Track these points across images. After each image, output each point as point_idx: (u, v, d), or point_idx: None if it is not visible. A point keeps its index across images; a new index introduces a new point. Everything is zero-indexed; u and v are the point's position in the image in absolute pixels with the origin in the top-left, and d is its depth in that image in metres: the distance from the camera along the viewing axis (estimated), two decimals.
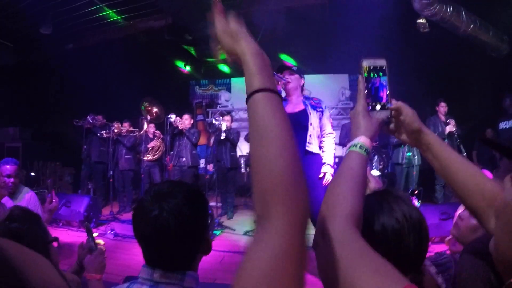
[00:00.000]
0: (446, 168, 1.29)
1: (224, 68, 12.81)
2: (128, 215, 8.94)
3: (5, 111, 11.08)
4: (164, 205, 1.40)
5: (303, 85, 5.11)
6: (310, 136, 4.76)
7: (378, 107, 1.28)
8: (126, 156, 9.51)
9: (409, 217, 1.25)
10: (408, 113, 1.33)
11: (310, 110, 4.75)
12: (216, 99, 13.53)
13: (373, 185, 1.77)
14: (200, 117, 13.64)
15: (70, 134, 10.99)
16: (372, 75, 1.30)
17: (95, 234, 2.53)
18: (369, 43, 9.07)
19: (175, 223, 1.38)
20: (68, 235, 7.14)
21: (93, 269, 2.28)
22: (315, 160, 4.80)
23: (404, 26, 9.07)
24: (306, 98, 4.91)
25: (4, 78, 11.20)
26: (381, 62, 1.32)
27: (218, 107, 13.31)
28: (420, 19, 8.80)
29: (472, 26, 8.87)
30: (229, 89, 13.47)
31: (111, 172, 9.24)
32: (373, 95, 1.29)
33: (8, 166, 4.24)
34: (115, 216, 8.70)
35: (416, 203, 6.36)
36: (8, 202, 4.16)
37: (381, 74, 1.31)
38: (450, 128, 8.21)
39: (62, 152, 11.60)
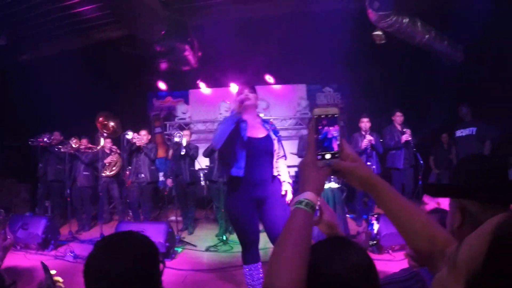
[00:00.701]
0: (393, 213, 1.30)
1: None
2: (88, 234, 8.88)
3: None
4: (115, 260, 1.42)
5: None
6: (276, 161, 4.75)
7: (328, 156, 1.29)
8: (84, 173, 9.34)
9: (360, 266, 1.31)
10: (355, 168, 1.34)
11: (272, 135, 4.70)
12: (174, 111, 13.44)
13: (326, 217, 1.74)
14: (158, 130, 13.50)
15: (25, 150, 10.70)
16: (323, 124, 1.30)
17: (52, 272, 2.49)
18: (327, 54, 9.22)
19: (127, 280, 1.41)
20: (27, 259, 6.97)
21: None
22: (280, 182, 4.80)
23: (361, 37, 9.23)
24: (264, 121, 4.81)
25: None
26: (333, 111, 1.31)
27: (176, 119, 13.23)
28: (376, 31, 8.97)
29: (427, 36, 9.13)
30: (186, 101, 13.40)
31: (68, 191, 9.03)
32: (325, 145, 1.29)
33: None
34: (74, 236, 8.53)
35: (375, 225, 6.49)
36: None
37: (332, 123, 1.30)
38: (406, 137, 8.38)
39: (18, 168, 11.30)
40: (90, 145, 9.46)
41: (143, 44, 10.22)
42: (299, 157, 8.54)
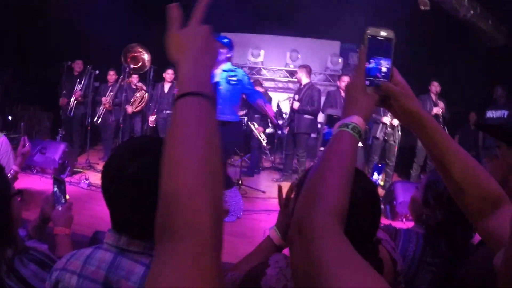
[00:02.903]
0: (443, 157, 1.14)
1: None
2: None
3: None
4: (140, 162, 1.27)
5: (231, 57, 5.41)
6: (220, 107, 5.07)
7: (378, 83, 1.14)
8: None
9: (365, 188, 1.32)
10: (402, 93, 1.17)
11: (222, 83, 5.10)
12: None
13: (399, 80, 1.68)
14: None
15: (50, 78, 10.70)
16: (376, 46, 1.14)
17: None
18: (364, 13, 8.91)
19: (151, 182, 1.25)
20: (42, 183, 7.04)
21: (62, 223, 2.18)
22: (229, 128, 5.15)
23: (404, 1, 8.89)
24: (225, 70, 5.21)
25: None
26: (389, 34, 1.16)
27: None
28: None
29: (472, 12, 8.77)
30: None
31: (89, 120, 9.02)
32: (374, 69, 1.14)
33: None
34: (91, 164, 8.57)
35: (376, 176, 6.41)
36: None
37: (386, 46, 1.15)
38: (437, 110, 8.15)
39: (42, 96, 11.33)
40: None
41: None
42: (322, 112, 8.36)
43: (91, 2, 9.84)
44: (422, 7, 8.60)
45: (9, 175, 3.31)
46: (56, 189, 2.31)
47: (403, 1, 8.92)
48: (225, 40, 5.21)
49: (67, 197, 2.31)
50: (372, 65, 1.13)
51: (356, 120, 1.06)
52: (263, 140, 8.43)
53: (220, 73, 5.22)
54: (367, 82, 1.12)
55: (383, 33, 1.15)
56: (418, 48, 10.56)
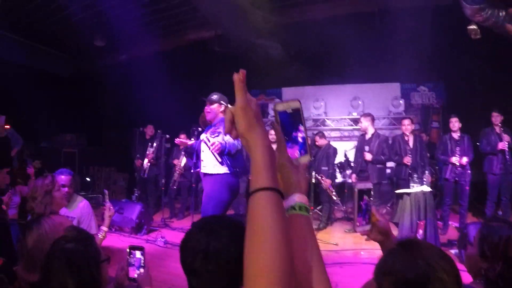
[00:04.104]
0: None
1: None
2: (180, 223, 9.24)
3: (63, 118, 11.50)
4: (214, 239, 1.46)
5: (224, 110, 5.32)
6: (202, 160, 5.26)
7: (301, 154, 1.24)
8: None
9: (436, 264, 1.29)
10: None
11: (205, 139, 5.23)
12: (266, 108, 13.59)
13: (380, 224, 1.82)
14: None
15: (124, 141, 11.29)
16: (288, 119, 1.23)
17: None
18: (420, 51, 8.95)
19: (225, 257, 1.44)
20: (120, 241, 7.42)
21: (147, 283, 2.40)
22: (210, 179, 5.18)
23: (455, 33, 8.85)
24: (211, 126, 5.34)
25: (62, 87, 11.65)
26: (295, 104, 1.24)
27: (268, 117, 13.36)
28: (471, 25, 8.53)
29: None
30: (280, 98, 13.41)
31: (163, 181, 9.46)
32: (296, 139, 1.24)
33: (63, 177, 4.35)
34: (166, 223, 8.94)
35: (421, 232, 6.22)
36: (63, 211, 4.35)
37: (297, 116, 1.24)
38: (503, 145, 7.80)
39: (116, 158, 11.93)
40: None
41: (236, 43, 10.42)
42: (388, 160, 8.37)
43: (157, 74, 10.38)
44: (473, 37, 8.53)
45: (99, 235, 3.67)
46: (132, 257, 2.57)
47: (454, 34, 8.87)
48: (214, 97, 5.36)
49: (106, 229, 2.50)
50: (295, 136, 1.24)
51: (299, 198, 1.16)
52: (332, 192, 8.46)
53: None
54: (297, 153, 1.24)
55: (289, 105, 1.24)
56: (477, 78, 10.37)
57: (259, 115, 1.09)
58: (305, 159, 1.24)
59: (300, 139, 1.24)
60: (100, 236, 3.82)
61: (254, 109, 1.08)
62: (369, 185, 6.44)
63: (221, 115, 5.27)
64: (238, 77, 1.10)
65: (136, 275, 2.51)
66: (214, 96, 5.31)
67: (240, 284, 1.53)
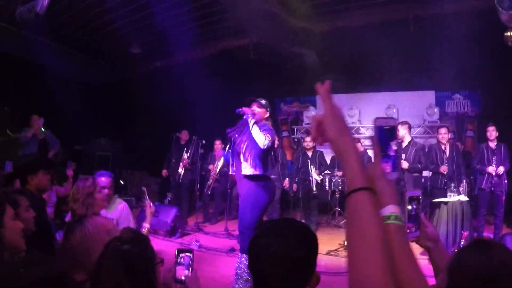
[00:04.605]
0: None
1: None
2: (213, 228, 9.32)
3: (98, 123, 11.69)
4: (282, 241, 1.48)
5: (268, 117, 5.38)
6: (241, 162, 5.23)
7: (393, 170, 1.31)
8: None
9: (510, 263, 1.30)
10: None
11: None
12: (301, 115, 13.60)
13: (429, 230, 1.80)
14: (285, 134, 13.78)
15: (156, 146, 11.41)
16: (384, 134, 1.31)
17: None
18: (455, 58, 8.81)
19: (292, 259, 1.46)
20: (155, 243, 7.33)
21: (195, 286, 2.42)
22: (247, 182, 5.15)
23: (491, 40, 8.67)
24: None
25: (98, 93, 11.86)
26: (392, 122, 1.33)
27: (303, 124, 13.36)
28: (508, 31, 8.35)
29: None
30: (314, 106, 13.44)
31: (198, 186, 9.55)
32: (386, 155, 1.30)
33: (103, 179, 4.42)
34: (200, 227, 9.02)
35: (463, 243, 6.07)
36: (102, 212, 4.42)
37: (390, 135, 1.32)
38: None
39: (149, 162, 12.06)
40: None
41: (272, 50, 10.44)
42: (424, 168, 8.24)
43: (188, 79, 10.48)
44: (510, 44, 8.33)
45: (142, 232, 3.73)
46: (182, 259, 2.58)
47: (491, 40, 8.69)
48: (263, 101, 5.35)
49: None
50: (388, 151, 1.30)
51: (393, 209, 1.22)
52: None
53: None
54: (389, 168, 1.30)
55: (388, 122, 1.33)
56: None
57: (345, 121, 1.14)
58: (395, 175, 1.34)
59: (392, 155, 1.31)
60: (143, 232, 3.86)
61: (342, 116, 1.13)
62: (418, 192, 6.36)
63: (264, 121, 5.27)
64: (323, 87, 1.18)
65: (183, 278, 2.52)
66: (263, 101, 5.34)
67: (306, 285, 1.54)
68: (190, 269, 2.55)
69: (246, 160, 5.17)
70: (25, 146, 8.60)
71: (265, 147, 4.92)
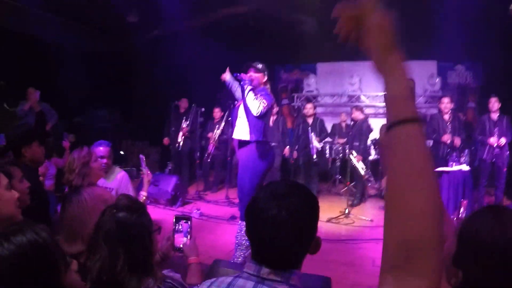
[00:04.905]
0: None
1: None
2: (214, 196, 9.36)
3: (96, 94, 11.60)
4: (282, 204, 1.40)
5: (266, 81, 5.30)
6: (237, 126, 5.24)
7: None
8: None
9: None
10: None
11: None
12: (301, 83, 13.49)
13: None
14: (285, 101, 13.65)
15: (156, 115, 11.35)
16: None
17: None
18: (458, 28, 8.69)
19: (293, 223, 1.40)
20: (155, 212, 7.53)
21: (194, 253, 2.39)
22: (245, 149, 5.14)
23: (495, 12, 8.55)
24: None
25: (94, 64, 11.72)
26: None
27: (303, 92, 13.26)
28: None
29: None
30: (314, 74, 13.31)
31: (198, 154, 9.51)
32: None
33: (101, 148, 4.47)
34: (201, 195, 9.07)
35: (461, 211, 6.06)
36: (102, 182, 4.39)
37: None
38: None
39: (149, 132, 12.02)
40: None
41: (271, 17, 10.30)
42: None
43: (187, 48, 10.35)
44: None
45: (141, 198, 3.74)
46: (180, 226, 2.56)
47: (495, 13, 8.57)
48: (259, 66, 5.25)
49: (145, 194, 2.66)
50: None
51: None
52: (362, 169, 8.32)
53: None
54: None
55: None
56: None
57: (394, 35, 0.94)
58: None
59: None
60: (140, 201, 3.85)
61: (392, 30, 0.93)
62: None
63: (262, 86, 5.20)
64: None
65: (181, 245, 2.49)
66: (260, 65, 5.24)
67: (307, 251, 1.49)
68: (189, 236, 2.52)
69: (241, 125, 5.15)
70: (22, 119, 8.54)
71: (259, 114, 4.86)
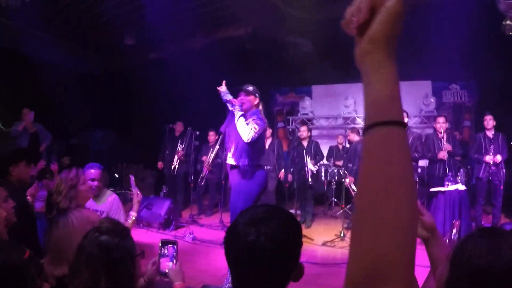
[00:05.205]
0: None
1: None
2: (208, 220, 9.25)
3: (92, 116, 11.61)
4: (261, 230, 1.34)
5: (258, 103, 5.24)
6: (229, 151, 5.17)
7: None
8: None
9: None
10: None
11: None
12: (296, 106, 13.52)
13: (426, 218, 1.69)
14: (280, 124, 13.69)
15: (152, 139, 11.35)
16: None
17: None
18: (452, 48, 8.74)
19: (272, 249, 1.33)
20: (148, 236, 7.48)
21: (179, 278, 2.34)
22: (237, 172, 5.08)
23: (489, 30, 8.59)
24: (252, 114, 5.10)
25: (91, 85, 11.78)
26: None
27: (298, 115, 13.28)
28: (506, 21, 8.25)
29: None
30: (310, 96, 13.38)
31: (192, 178, 9.42)
32: None
33: (92, 170, 4.42)
34: (194, 219, 8.95)
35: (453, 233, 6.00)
36: (92, 204, 4.35)
37: None
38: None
39: (145, 155, 11.99)
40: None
41: (267, 40, 10.35)
42: (421, 157, 8.16)
43: (183, 71, 10.38)
44: (508, 33, 8.24)
45: (129, 221, 3.83)
46: (166, 250, 2.50)
47: (488, 30, 8.59)
48: (250, 88, 5.20)
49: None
50: None
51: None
52: (354, 191, 8.24)
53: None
54: None
55: None
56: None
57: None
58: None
59: None
60: (129, 221, 3.87)
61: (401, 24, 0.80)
62: None
63: (254, 108, 5.15)
64: None
65: (167, 270, 2.44)
66: (250, 88, 5.22)
67: (289, 278, 1.43)
68: (174, 261, 2.47)
69: (229, 150, 5.11)
70: (17, 139, 8.52)
71: (249, 141, 4.77)
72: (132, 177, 4.38)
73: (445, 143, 7.69)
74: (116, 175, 11.79)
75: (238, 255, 1.37)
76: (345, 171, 8.39)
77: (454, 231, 4.75)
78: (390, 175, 0.69)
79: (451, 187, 6.90)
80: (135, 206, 3.94)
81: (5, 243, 1.52)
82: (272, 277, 1.37)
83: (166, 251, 2.49)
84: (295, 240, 1.44)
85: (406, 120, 8.02)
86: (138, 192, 4.01)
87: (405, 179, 0.70)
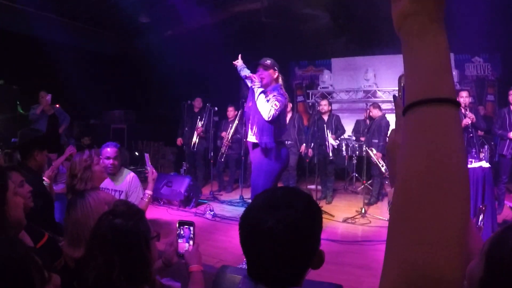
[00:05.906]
0: None
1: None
2: (228, 196, 9.25)
3: (111, 95, 11.65)
4: (280, 216, 1.26)
5: (278, 76, 5.03)
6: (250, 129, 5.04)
7: None
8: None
9: None
10: None
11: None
12: (316, 80, 13.37)
13: None
14: (300, 98, 13.56)
15: (171, 115, 11.34)
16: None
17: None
18: (475, 19, 8.53)
19: (291, 237, 1.25)
20: (169, 214, 7.53)
21: (195, 261, 2.29)
22: (258, 150, 4.96)
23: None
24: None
25: (110, 65, 11.81)
26: None
27: (318, 88, 13.12)
28: None
29: None
30: (329, 70, 13.17)
31: (211, 154, 9.40)
32: None
33: (108, 149, 4.42)
34: (215, 196, 8.96)
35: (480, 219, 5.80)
36: (110, 185, 4.34)
37: None
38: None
39: (164, 132, 12.02)
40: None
41: (284, 13, 10.19)
42: None
43: (200, 47, 10.30)
44: None
45: (145, 199, 3.82)
46: (182, 231, 2.44)
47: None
48: (268, 62, 4.98)
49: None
50: None
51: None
52: (382, 166, 8.11)
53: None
54: None
55: None
56: None
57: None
58: None
59: None
60: (145, 200, 3.85)
61: None
62: None
63: (274, 83, 4.98)
64: None
65: (183, 252, 2.40)
66: (268, 61, 4.97)
67: (308, 266, 1.36)
68: (192, 242, 2.42)
69: (251, 129, 4.99)
70: (35, 122, 8.55)
71: (270, 119, 4.65)
72: (147, 155, 4.36)
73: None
74: (136, 153, 11.85)
75: (255, 243, 1.31)
76: (369, 146, 8.26)
77: (481, 217, 4.58)
78: (446, 171, 0.56)
79: (474, 164, 6.68)
80: (151, 184, 3.92)
81: (10, 237, 1.49)
82: (291, 266, 1.29)
83: (182, 232, 2.44)
84: (315, 226, 1.36)
85: None
86: (153, 170, 3.98)
87: (461, 175, 0.57)
